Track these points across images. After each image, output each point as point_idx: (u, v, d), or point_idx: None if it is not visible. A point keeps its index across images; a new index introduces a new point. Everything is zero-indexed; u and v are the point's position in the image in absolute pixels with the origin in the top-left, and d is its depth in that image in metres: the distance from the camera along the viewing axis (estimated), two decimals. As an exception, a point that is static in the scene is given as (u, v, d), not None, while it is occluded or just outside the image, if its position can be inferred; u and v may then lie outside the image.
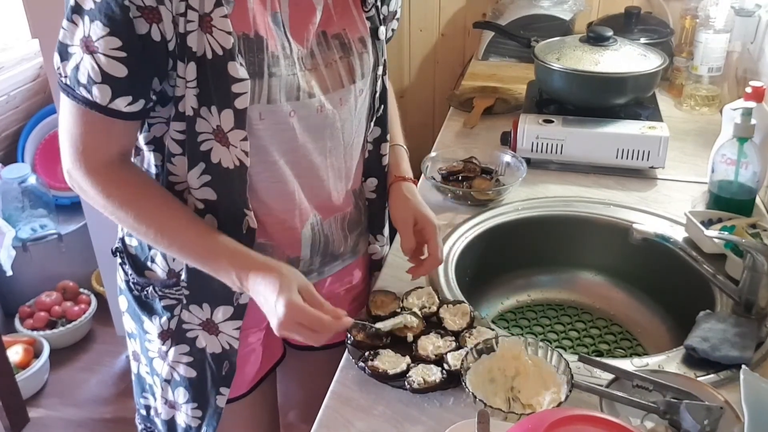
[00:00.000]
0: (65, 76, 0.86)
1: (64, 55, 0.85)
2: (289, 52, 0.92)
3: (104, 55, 0.83)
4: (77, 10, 0.82)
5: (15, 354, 2.23)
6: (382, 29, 1.04)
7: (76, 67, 0.84)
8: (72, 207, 2.62)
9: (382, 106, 1.10)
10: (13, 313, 2.48)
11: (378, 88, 1.07)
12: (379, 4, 1.03)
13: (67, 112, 0.89)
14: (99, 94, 0.84)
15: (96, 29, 0.82)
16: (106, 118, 0.87)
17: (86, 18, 0.82)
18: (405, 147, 1.20)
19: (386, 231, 1.21)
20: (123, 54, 0.83)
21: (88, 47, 0.83)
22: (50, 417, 2.21)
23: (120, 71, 0.84)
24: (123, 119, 0.88)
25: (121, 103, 0.86)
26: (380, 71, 1.05)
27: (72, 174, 0.92)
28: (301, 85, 0.93)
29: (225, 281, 0.93)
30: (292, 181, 0.99)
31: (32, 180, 2.49)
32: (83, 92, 0.85)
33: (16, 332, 2.40)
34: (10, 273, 2.29)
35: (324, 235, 1.07)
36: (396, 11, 1.12)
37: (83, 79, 0.84)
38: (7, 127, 2.63)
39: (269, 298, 0.88)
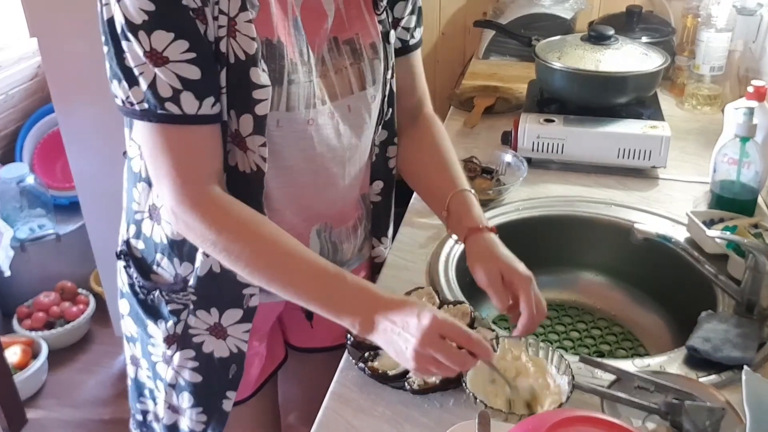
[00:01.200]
0: (141, 101, 0.82)
1: (132, 80, 0.82)
2: (307, 58, 0.91)
3: (176, 61, 0.80)
4: (131, 27, 0.79)
5: (13, 355, 2.23)
6: (392, 33, 1.02)
7: (153, 85, 0.81)
8: (70, 207, 2.61)
9: (390, 110, 1.09)
10: (11, 313, 2.47)
11: (387, 92, 1.05)
12: (389, 8, 1.02)
13: (152, 142, 0.85)
14: (186, 102, 0.82)
15: (160, 38, 0.79)
16: (197, 128, 0.84)
17: (141, 33, 0.79)
18: (473, 192, 1.06)
19: (390, 233, 1.20)
20: (193, 55, 0.81)
21: (156, 60, 0.80)
22: (48, 418, 2.21)
23: (194, 73, 0.81)
24: (212, 123, 0.85)
25: (207, 106, 0.84)
26: (389, 75, 1.04)
27: (176, 212, 0.87)
28: (315, 92, 0.92)
29: (346, 326, 0.87)
30: (304, 187, 0.98)
31: (30, 180, 2.48)
32: (170, 106, 0.82)
33: (14, 333, 2.39)
34: (8, 273, 2.29)
35: (332, 242, 1.06)
36: (403, 18, 1.06)
37: (166, 94, 0.81)
38: (5, 126, 2.62)
39: (409, 320, 0.81)
